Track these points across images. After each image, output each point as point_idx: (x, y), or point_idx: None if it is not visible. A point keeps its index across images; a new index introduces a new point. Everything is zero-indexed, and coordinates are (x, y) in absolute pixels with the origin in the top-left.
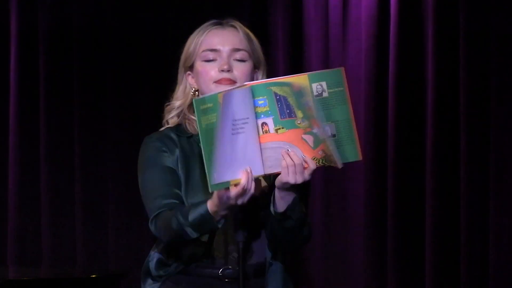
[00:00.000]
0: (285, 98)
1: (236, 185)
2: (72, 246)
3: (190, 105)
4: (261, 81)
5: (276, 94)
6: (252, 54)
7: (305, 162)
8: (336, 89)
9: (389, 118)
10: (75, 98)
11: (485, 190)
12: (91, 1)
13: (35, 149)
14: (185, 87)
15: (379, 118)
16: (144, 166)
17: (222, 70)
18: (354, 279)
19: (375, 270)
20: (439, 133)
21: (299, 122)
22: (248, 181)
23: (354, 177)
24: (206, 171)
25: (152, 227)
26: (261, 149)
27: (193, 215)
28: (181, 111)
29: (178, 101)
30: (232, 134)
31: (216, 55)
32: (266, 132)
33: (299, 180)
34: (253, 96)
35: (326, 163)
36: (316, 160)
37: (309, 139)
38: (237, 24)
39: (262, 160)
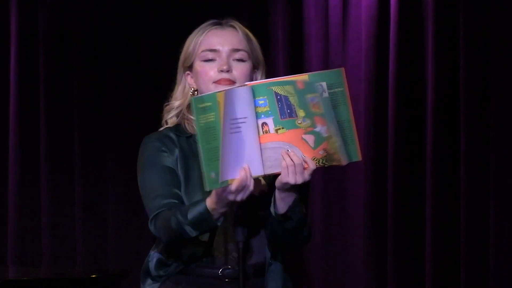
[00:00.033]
0: (286, 98)
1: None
2: (72, 246)
3: (189, 105)
4: (262, 81)
5: (277, 94)
6: (251, 54)
7: (305, 162)
8: (336, 90)
9: (389, 118)
10: (75, 98)
11: (485, 190)
12: (91, 1)
13: (35, 149)
14: (184, 87)
15: (379, 118)
16: (144, 166)
17: (222, 71)
18: (354, 279)
19: (375, 270)
20: (439, 133)
21: (299, 122)
22: (246, 178)
23: (354, 177)
24: (203, 169)
25: (151, 227)
26: (261, 149)
27: (192, 213)
28: (180, 111)
29: (177, 101)
30: (230, 133)
31: (215, 55)
32: (266, 132)
33: (299, 180)
34: (254, 96)
35: (326, 163)
36: (316, 160)
37: (310, 139)
38: (237, 24)
39: (262, 160)
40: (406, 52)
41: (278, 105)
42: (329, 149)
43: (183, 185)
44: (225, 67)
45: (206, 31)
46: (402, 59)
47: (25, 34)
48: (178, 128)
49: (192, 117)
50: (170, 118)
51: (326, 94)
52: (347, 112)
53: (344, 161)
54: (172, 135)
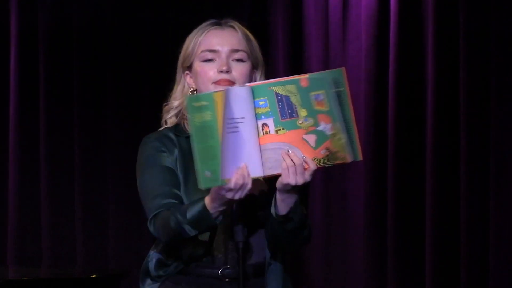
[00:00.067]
0: (287, 98)
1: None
2: (72, 246)
3: None
4: (263, 81)
5: (277, 95)
6: (250, 55)
7: (305, 163)
8: (337, 90)
9: (389, 118)
10: (75, 98)
11: (485, 190)
12: (91, 1)
13: (35, 149)
14: (183, 86)
15: (379, 118)
16: (143, 166)
17: (221, 71)
18: (354, 279)
19: (375, 270)
20: (439, 133)
21: (300, 122)
22: (243, 177)
23: (354, 177)
24: (197, 167)
25: (150, 228)
26: (260, 150)
27: (191, 212)
28: (180, 111)
29: (176, 101)
30: (228, 132)
31: (215, 55)
32: (266, 133)
33: (300, 181)
34: (254, 97)
35: (328, 163)
36: (317, 160)
37: (311, 138)
38: (236, 24)
39: (262, 161)
40: (406, 52)
41: (279, 106)
42: (332, 147)
43: (183, 185)
44: (224, 68)
45: (206, 32)
46: (402, 59)
47: (25, 34)
48: (177, 128)
49: None
50: (169, 118)
51: (333, 90)
52: (349, 112)
53: (349, 158)
54: (171, 135)
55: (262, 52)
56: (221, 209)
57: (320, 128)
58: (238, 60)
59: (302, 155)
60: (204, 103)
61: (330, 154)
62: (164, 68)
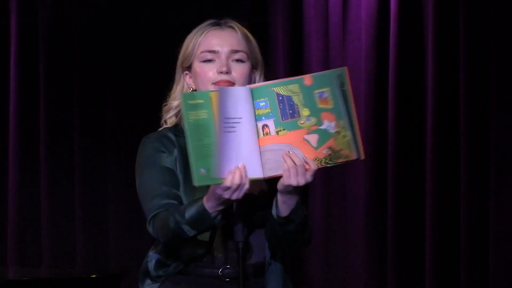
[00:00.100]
0: (289, 98)
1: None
2: (72, 246)
3: None
4: (264, 83)
5: (278, 95)
6: (250, 55)
7: (306, 163)
8: (341, 88)
9: (389, 118)
10: (75, 98)
11: (485, 190)
12: (91, 1)
13: (35, 149)
14: (182, 86)
15: (379, 118)
16: (142, 167)
17: (221, 72)
18: (354, 279)
19: (375, 270)
20: (439, 133)
21: (302, 122)
22: (240, 176)
23: (354, 177)
24: (191, 165)
25: (149, 228)
26: (260, 151)
27: (189, 212)
28: (179, 111)
29: (175, 101)
30: (224, 132)
31: (214, 56)
32: (267, 134)
33: (302, 182)
34: (255, 98)
35: (330, 162)
36: (318, 160)
37: (313, 138)
38: (235, 24)
39: (262, 162)
40: (406, 52)
41: (280, 106)
42: (335, 145)
43: (182, 185)
44: (224, 69)
45: (205, 32)
46: (402, 59)
47: (25, 34)
48: (177, 128)
49: None
50: (169, 118)
51: (338, 87)
52: (352, 110)
53: (353, 155)
54: (170, 135)
55: (262, 52)
56: (219, 208)
57: (323, 126)
58: (238, 60)
59: (303, 155)
60: (199, 101)
61: (333, 153)
62: (164, 68)
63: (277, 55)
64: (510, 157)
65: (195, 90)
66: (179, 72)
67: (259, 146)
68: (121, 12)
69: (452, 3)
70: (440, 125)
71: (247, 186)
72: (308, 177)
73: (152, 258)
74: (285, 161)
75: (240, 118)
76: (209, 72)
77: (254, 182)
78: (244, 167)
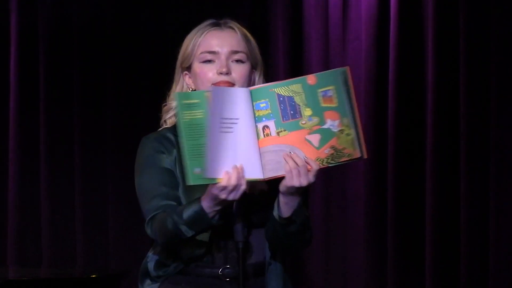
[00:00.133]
0: (290, 98)
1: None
2: (72, 246)
3: None
4: (265, 84)
5: (279, 96)
6: (250, 55)
7: (308, 164)
8: (346, 87)
9: (389, 118)
10: (75, 98)
11: (485, 190)
12: (91, 1)
13: (35, 149)
14: (182, 87)
15: (379, 118)
16: (141, 167)
17: (221, 73)
18: (354, 279)
19: (375, 270)
20: (439, 133)
21: (304, 122)
22: (236, 177)
23: (354, 177)
24: (185, 164)
25: (148, 230)
26: (260, 152)
27: (187, 212)
28: None
29: (175, 101)
30: (220, 132)
31: (214, 57)
32: (267, 135)
33: (304, 182)
34: (255, 100)
35: (332, 162)
36: (320, 160)
37: (314, 138)
38: (235, 25)
39: (262, 163)
40: (406, 52)
41: (280, 107)
42: (338, 144)
43: (181, 185)
44: (224, 70)
45: (205, 33)
46: (402, 59)
47: (25, 34)
48: (176, 128)
49: None
50: (168, 118)
51: (342, 85)
52: (355, 110)
53: (357, 154)
54: (170, 135)
55: (262, 52)
56: (216, 209)
57: (326, 126)
58: (238, 61)
59: (304, 156)
60: (195, 101)
61: (335, 152)
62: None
63: (277, 55)
64: (510, 157)
65: (195, 90)
66: (178, 72)
67: (260, 147)
68: (121, 12)
69: (452, 3)
70: (440, 125)
71: (244, 187)
72: (311, 177)
73: (152, 258)
74: (286, 162)
75: (237, 119)
76: (209, 73)
77: (254, 182)
78: (242, 168)
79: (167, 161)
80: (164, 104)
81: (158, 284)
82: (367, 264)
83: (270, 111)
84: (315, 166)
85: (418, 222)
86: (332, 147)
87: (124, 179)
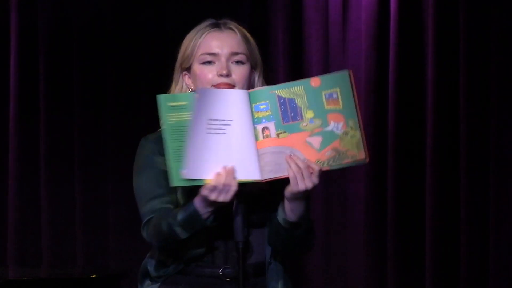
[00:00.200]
0: (291, 100)
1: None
2: (72, 246)
3: None
4: (266, 87)
5: (280, 98)
6: (249, 56)
7: (309, 166)
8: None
9: (389, 118)
10: (75, 98)
11: (485, 190)
12: (91, 1)
13: (35, 149)
14: (181, 87)
15: (379, 118)
16: (139, 169)
17: (221, 75)
18: (354, 279)
19: (375, 270)
20: (439, 133)
21: (305, 124)
22: (226, 177)
23: (354, 178)
24: (170, 165)
25: (144, 233)
26: (259, 154)
27: (181, 214)
28: None
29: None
30: (208, 133)
31: (214, 58)
32: (267, 136)
33: (309, 185)
34: (254, 101)
35: (333, 164)
36: (321, 163)
37: (316, 140)
38: (235, 25)
39: (261, 165)
40: (406, 52)
41: (281, 109)
42: (341, 146)
43: (180, 188)
44: (224, 72)
45: (205, 34)
46: (402, 59)
47: (25, 34)
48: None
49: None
50: None
51: (348, 88)
52: (358, 113)
53: (361, 155)
54: None
55: (261, 52)
56: (209, 210)
57: (328, 128)
58: (238, 62)
59: (304, 158)
60: (182, 103)
61: (337, 155)
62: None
63: (277, 55)
64: (510, 157)
65: (194, 91)
66: (178, 72)
67: (258, 148)
68: (121, 12)
69: (452, 3)
70: (440, 125)
71: (234, 188)
72: (314, 179)
73: (152, 258)
74: (289, 167)
75: (231, 120)
76: (209, 74)
77: (253, 184)
78: (233, 169)
79: (165, 163)
80: None
81: (158, 284)
82: (367, 264)
83: (270, 113)
84: (316, 167)
85: (418, 222)
86: (334, 149)
87: (124, 179)
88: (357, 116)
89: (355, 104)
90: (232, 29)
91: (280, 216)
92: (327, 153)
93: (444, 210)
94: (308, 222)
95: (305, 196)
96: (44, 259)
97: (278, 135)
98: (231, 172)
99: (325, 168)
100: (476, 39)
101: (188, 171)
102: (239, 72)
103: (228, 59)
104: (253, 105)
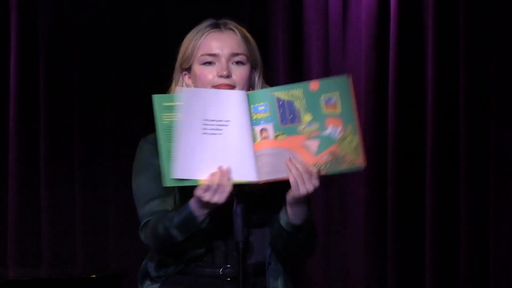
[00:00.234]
0: (290, 103)
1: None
2: (72, 246)
3: None
4: (265, 88)
5: (279, 100)
6: (249, 57)
7: (307, 169)
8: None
9: (389, 118)
10: (75, 98)
11: (485, 189)
12: (91, 1)
13: (35, 149)
14: (181, 86)
15: (379, 118)
16: (137, 171)
17: (221, 76)
18: (354, 279)
19: (375, 270)
20: (439, 133)
21: (303, 127)
22: (221, 177)
23: (354, 178)
24: (162, 166)
25: (142, 236)
26: (256, 155)
27: (177, 216)
28: None
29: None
30: (203, 133)
31: (214, 59)
32: (265, 138)
33: (310, 188)
34: (253, 103)
35: (329, 168)
36: (318, 166)
37: (313, 144)
38: (235, 26)
39: (258, 166)
40: (406, 52)
41: (280, 111)
42: (339, 151)
43: (179, 189)
44: (225, 73)
45: (205, 34)
46: (402, 59)
47: (25, 34)
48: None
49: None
50: None
51: (347, 93)
52: (356, 119)
53: (359, 160)
54: None
55: (261, 52)
56: (205, 212)
57: (326, 132)
58: (238, 63)
59: (302, 161)
60: (177, 103)
61: (335, 159)
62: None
63: (277, 55)
64: (510, 157)
65: None
66: (177, 72)
67: (256, 150)
68: (121, 12)
69: (452, 3)
70: (440, 125)
71: (228, 188)
72: (315, 181)
73: (152, 258)
74: (290, 172)
75: (228, 120)
76: (209, 75)
77: (251, 185)
78: (228, 169)
79: None
80: None
81: (158, 284)
82: (367, 264)
83: (269, 114)
84: (314, 169)
85: (418, 222)
86: (331, 154)
87: (124, 178)
88: (355, 121)
89: (353, 109)
90: (232, 30)
91: (283, 220)
92: (324, 157)
93: (444, 210)
94: (311, 225)
95: (306, 199)
96: (44, 259)
97: (276, 137)
98: (226, 172)
99: (322, 172)
100: (476, 39)
101: (178, 171)
102: (239, 73)
103: (228, 60)
104: (251, 106)
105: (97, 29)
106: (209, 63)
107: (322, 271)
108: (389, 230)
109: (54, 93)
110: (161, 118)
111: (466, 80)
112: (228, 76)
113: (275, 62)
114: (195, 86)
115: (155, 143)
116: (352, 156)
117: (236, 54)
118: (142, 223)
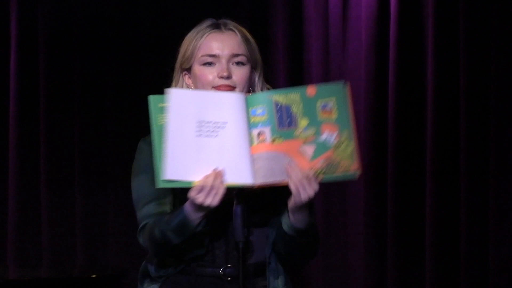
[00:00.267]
0: (288, 107)
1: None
2: (72, 246)
3: None
4: (263, 91)
5: (277, 103)
6: (250, 57)
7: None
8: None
9: (389, 118)
10: (75, 98)
11: (485, 190)
12: (91, 1)
13: (35, 149)
14: (181, 87)
15: (379, 118)
16: (136, 172)
17: (221, 77)
18: (354, 279)
19: (375, 270)
20: (439, 133)
21: (299, 132)
22: (214, 179)
23: None
24: (156, 167)
25: (140, 240)
26: (253, 158)
27: (173, 219)
28: None
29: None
30: (197, 135)
31: (215, 59)
32: (262, 141)
33: (311, 193)
34: (251, 105)
35: (324, 175)
36: (313, 171)
37: (308, 149)
38: (235, 26)
39: (254, 169)
40: (406, 52)
41: (277, 115)
42: (334, 157)
43: (178, 190)
44: (225, 74)
45: (206, 35)
46: (402, 59)
47: (25, 34)
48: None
49: None
50: None
51: (343, 99)
52: (352, 126)
53: (354, 166)
54: None
55: (262, 52)
56: (199, 215)
57: (321, 138)
58: (238, 63)
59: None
60: None
61: (329, 165)
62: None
63: (277, 55)
64: (510, 157)
65: None
66: (177, 72)
67: (252, 153)
68: (121, 12)
69: (452, 3)
70: (440, 125)
71: (222, 190)
72: (315, 186)
73: (152, 258)
74: (290, 179)
75: (226, 123)
76: (209, 76)
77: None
78: (222, 172)
79: None
80: None
81: (158, 284)
82: (367, 264)
83: (266, 117)
84: (310, 173)
85: (418, 222)
86: (327, 159)
87: (124, 179)
88: (352, 128)
89: (350, 115)
90: (233, 30)
91: (284, 226)
92: (320, 162)
93: (444, 210)
94: (314, 229)
95: (307, 204)
96: (44, 259)
97: (273, 140)
98: (220, 174)
99: (318, 178)
100: (476, 39)
101: (168, 173)
102: (239, 74)
103: (228, 61)
104: (250, 109)
105: (97, 30)
106: (210, 63)
107: (322, 271)
108: (389, 230)
109: (54, 93)
110: (156, 119)
111: (466, 80)
112: (229, 77)
113: (275, 62)
114: (195, 86)
115: None
116: (347, 162)
117: (237, 55)
118: (140, 226)
